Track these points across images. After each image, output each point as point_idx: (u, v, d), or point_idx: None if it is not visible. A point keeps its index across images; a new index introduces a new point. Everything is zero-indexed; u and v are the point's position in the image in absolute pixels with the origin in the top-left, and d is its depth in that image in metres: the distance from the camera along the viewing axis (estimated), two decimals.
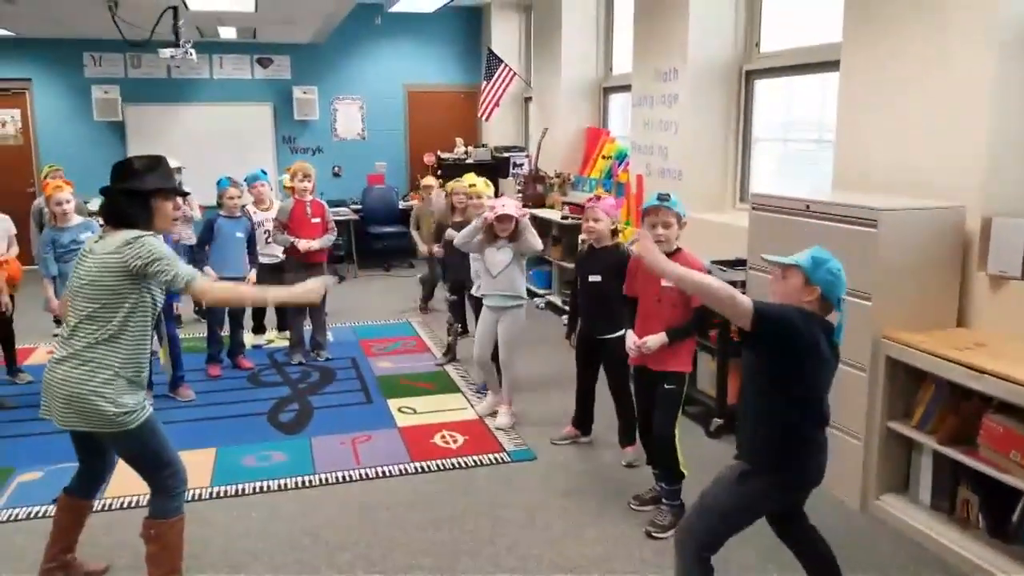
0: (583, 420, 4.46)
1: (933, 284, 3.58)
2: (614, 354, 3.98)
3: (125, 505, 3.76)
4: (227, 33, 9.01)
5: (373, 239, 9.85)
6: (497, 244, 4.64)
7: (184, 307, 5.53)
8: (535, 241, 4.59)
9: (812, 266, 2.47)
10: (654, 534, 3.49)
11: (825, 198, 3.89)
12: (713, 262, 4.72)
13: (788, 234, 4.04)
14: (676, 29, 5.83)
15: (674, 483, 3.58)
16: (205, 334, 5.86)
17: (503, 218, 4.54)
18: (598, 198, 4.17)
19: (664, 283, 3.43)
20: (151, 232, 2.83)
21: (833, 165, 4.44)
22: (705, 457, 4.24)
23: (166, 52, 7.12)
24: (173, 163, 5.30)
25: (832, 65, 4.58)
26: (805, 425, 2.50)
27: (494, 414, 4.85)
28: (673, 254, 3.44)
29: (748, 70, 5.70)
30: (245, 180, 6.18)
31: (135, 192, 2.84)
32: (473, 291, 5.34)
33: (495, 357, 4.78)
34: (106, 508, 3.74)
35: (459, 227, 5.61)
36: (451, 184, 5.94)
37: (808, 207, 3.82)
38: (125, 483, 3.96)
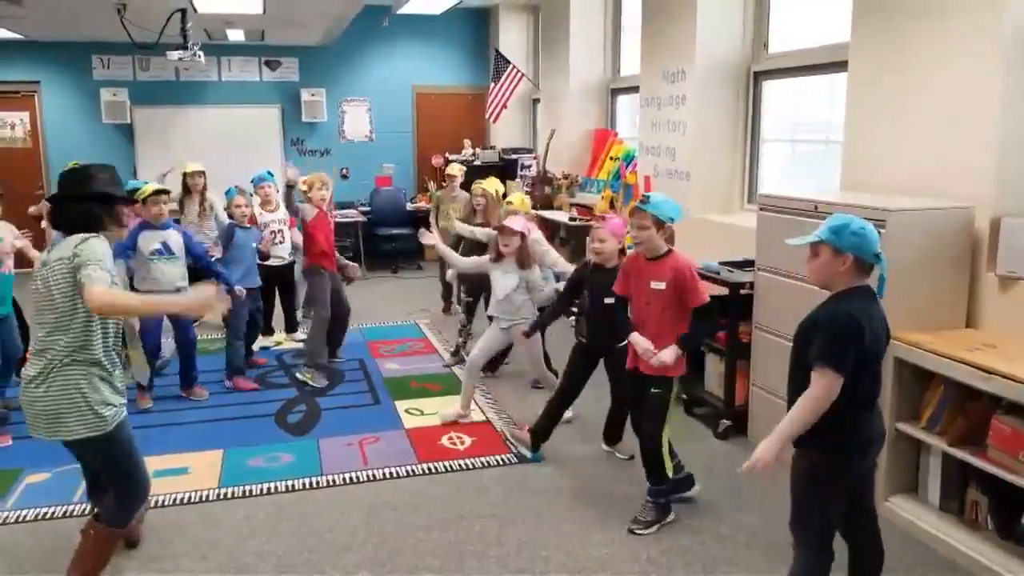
0: (542, 431, 4.30)
1: (942, 284, 3.57)
2: (621, 364, 3.86)
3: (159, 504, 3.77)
4: (235, 35, 9.05)
5: (381, 241, 9.87)
6: (503, 267, 4.61)
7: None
8: (554, 260, 4.68)
9: (835, 235, 2.47)
10: (636, 531, 3.50)
11: (833, 198, 3.87)
12: (721, 263, 4.71)
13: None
14: (684, 30, 5.82)
15: (660, 483, 3.57)
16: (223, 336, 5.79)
17: (505, 230, 4.52)
18: (603, 218, 4.14)
19: (653, 285, 3.43)
20: (102, 234, 2.84)
21: (841, 165, 4.42)
22: (714, 459, 4.24)
23: (174, 55, 7.15)
24: (164, 168, 5.32)
25: (840, 65, 4.56)
26: (849, 406, 2.47)
27: (454, 423, 4.78)
28: (663, 257, 3.45)
29: (756, 71, 5.69)
30: (251, 181, 6.17)
31: (108, 197, 2.88)
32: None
33: (488, 368, 4.79)
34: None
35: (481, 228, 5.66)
36: (473, 186, 5.97)
37: (816, 207, 3.80)
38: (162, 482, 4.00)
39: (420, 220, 7.93)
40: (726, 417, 4.54)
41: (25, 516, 3.70)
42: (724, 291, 4.50)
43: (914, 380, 3.47)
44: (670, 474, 3.59)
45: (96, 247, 2.76)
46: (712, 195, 5.82)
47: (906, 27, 3.91)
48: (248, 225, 5.59)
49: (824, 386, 2.40)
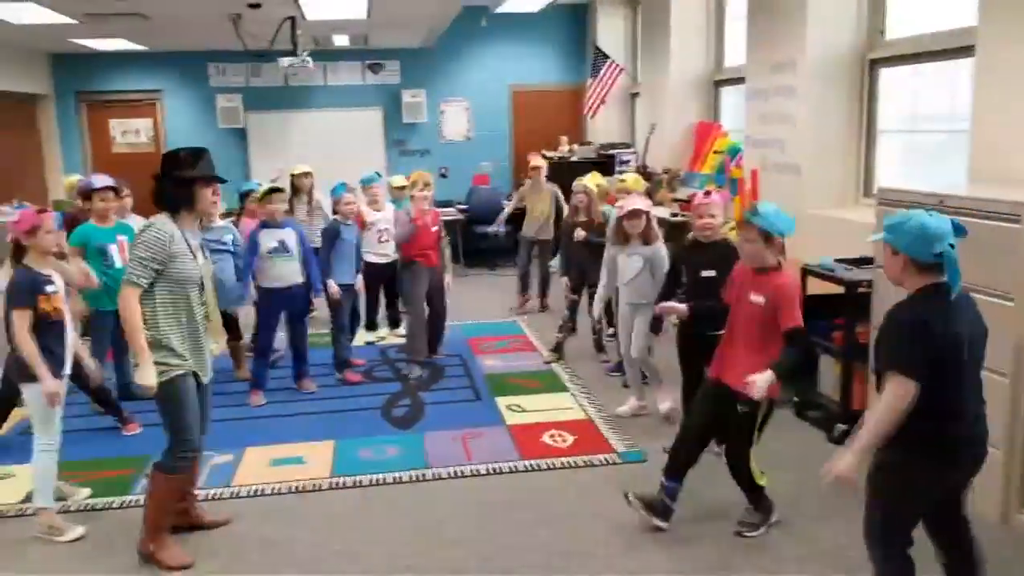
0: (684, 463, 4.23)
1: None
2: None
3: (252, 493, 3.94)
4: (340, 40, 9.33)
5: (478, 239, 9.96)
6: (628, 249, 4.62)
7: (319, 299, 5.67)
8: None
9: (889, 231, 2.37)
10: (744, 533, 3.41)
11: (961, 192, 3.67)
12: (837, 260, 4.53)
13: None
14: (794, 18, 5.62)
15: (754, 490, 3.46)
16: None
17: (631, 214, 4.51)
18: (708, 194, 4.09)
19: (752, 298, 3.29)
20: (190, 222, 3.29)
21: (968, 157, 4.18)
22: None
23: (285, 61, 7.45)
24: (273, 172, 5.47)
25: (966, 51, 4.31)
26: (928, 416, 2.35)
27: (637, 415, 4.80)
28: (769, 271, 3.28)
29: (872, 59, 5.44)
30: (361, 182, 6.35)
31: (181, 179, 3.22)
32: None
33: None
34: (234, 496, 3.93)
35: (584, 226, 5.65)
36: (574, 184, 5.95)
37: (942, 202, 3.60)
38: (254, 471, 4.18)
39: (517, 218, 7.95)
40: (842, 421, 4.35)
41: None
42: (840, 290, 4.33)
43: None
44: (763, 482, 3.46)
45: (149, 239, 3.13)
46: (825, 189, 5.60)
47: None
48: (351, 222, 5.74)
49: (895, 391, 2.30)
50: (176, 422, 3.24)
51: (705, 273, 3.95)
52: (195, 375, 3.28)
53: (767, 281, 3.27)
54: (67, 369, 3.67)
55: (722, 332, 3.56)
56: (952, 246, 2.33)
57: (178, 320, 3.20)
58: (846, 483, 2.38)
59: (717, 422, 3.47)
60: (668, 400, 4.70)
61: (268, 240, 5.14)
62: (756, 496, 3.47)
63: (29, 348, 3.46)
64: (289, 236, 5.19)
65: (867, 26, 5.44)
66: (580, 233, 5.67)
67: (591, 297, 5.60)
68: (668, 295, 4.27)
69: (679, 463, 3.48)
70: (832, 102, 5.55)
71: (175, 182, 3.24)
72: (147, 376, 3.14)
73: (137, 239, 3.18)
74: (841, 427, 4.34)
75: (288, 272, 5.17)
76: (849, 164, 5.61)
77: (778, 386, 3.25)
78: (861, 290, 4.25)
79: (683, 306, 3.92)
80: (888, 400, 2.32)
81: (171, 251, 3.15)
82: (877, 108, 5.47)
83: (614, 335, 6.34)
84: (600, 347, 6.02)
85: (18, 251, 3.59)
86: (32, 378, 3.51)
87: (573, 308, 5.95)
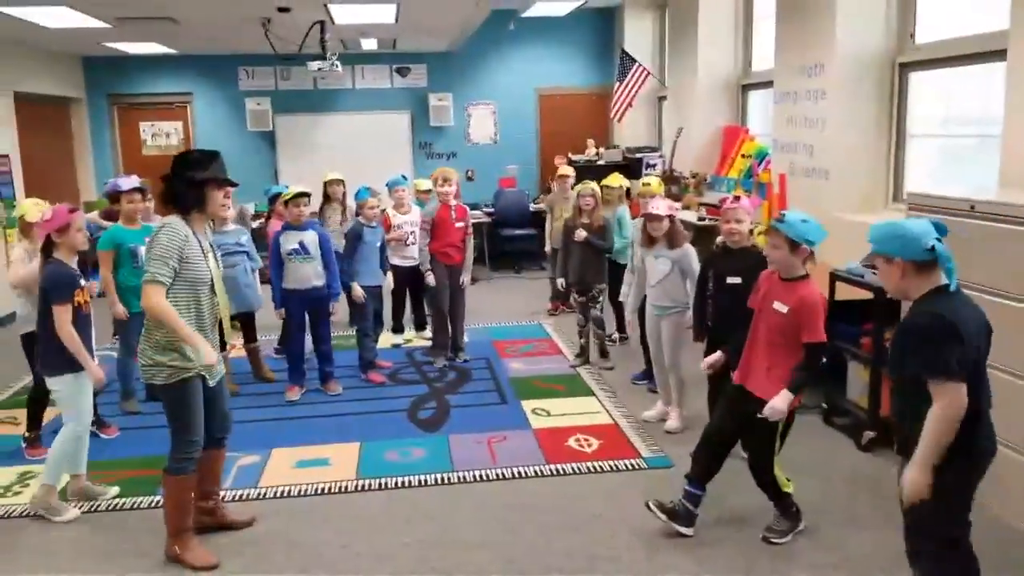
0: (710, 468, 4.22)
1: None
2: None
3: (278, 495, 3.98)
4: (368, 44, 9.40)
5: (504, 241, 9.99)
6: (654, 251, 4.62)
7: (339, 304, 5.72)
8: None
9: (878, 243, 2.37)
10: (772, 539, 3.39)
11: (992, 197, 3.61)
12: (865, 265, 4.48)
13: (949, 237, 3.76)
14: (823, 21, 5.57)
15: (780, 498, 3.44)
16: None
17: (652, 217, 4.50)
18: (737, 199, 4.06)
19: (776, 306, 3.25)
20: (200, 223, 3.29)
21: (1000, 162, 4.12)
22: (857, 472, 4.04)
23: (314, 65, 7.51)
24: (299, 187, 5.52)
25: (998, 55, 4.25)
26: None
27: (663, 420, 4.79)
28: (796, 280, 3.25)
29: (902, 62, 5.38)
30: (387, 185, 6.41)
31: (192, 180, 3.22)
32: (620, 297, 5.45)
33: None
34: (261, 497, 3.97)
35: (586, 228, 5.65)
36: (579, 187, 5.95)
37: (973, 207, 3.56)
38: (280, 472, 4.23)
39: (543, 221, 7.96)
40: (870, 428, 4.30)
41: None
42: (868, 295, 4.28)
43: None
44: (789, 489, 3.44)
45: (165, 240, 3.14)
46: (853, 194, 5.54)
47: None
48: (375, 225, 5.79)
49: (948, 399, 2.26)
50: (181, 423, 3.27)
51: (731, 280, 3.95)
52: (202, 377, 3.29)
53: (793, 290, 3.24)
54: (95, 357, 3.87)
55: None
56: (939, 239, 2.35)
57: (187, 321, 3.18)
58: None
59: (740, 426, 3.44)
60: (676, 420, 4.70)
61: (288, 242, 5.20)
62: (783, 504, 3.45)
63: (75, 342, 3.64)
64: (308, 237, 5.24)
65: (896, 29, 5.38)
66: (581, 233, 5.65)
67: (591, 298, 5.75)
68: (701, 306, 4.26)
69: (702, 467, 3.46)
70: (861, 106, 5.49)
71: (186, 183, 3.23)
72: (209, 354, 3.19)
73: (153, 239, 3.20)
74: (869, 434, 4.29)
75: (307, 274, 5.22)
76: (878, 169, 5.55)
77: (799, 398, 3.27)
78: (889, 295, 4.18)
79: (719, 355, 3.78)
80: (943, 410, 2.28)
81: (185, 253, 3.17)
82: (907, 112, 5.40)
83: (627, 339, 6.36)
84: (604, 352, 6.00)
85: (48, 247, 3.73)
86: (63, 370, 3.70)
87: (583, 311, 5.92)
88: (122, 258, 4.81)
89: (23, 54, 8.43)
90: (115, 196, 5.04)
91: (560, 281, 6.07)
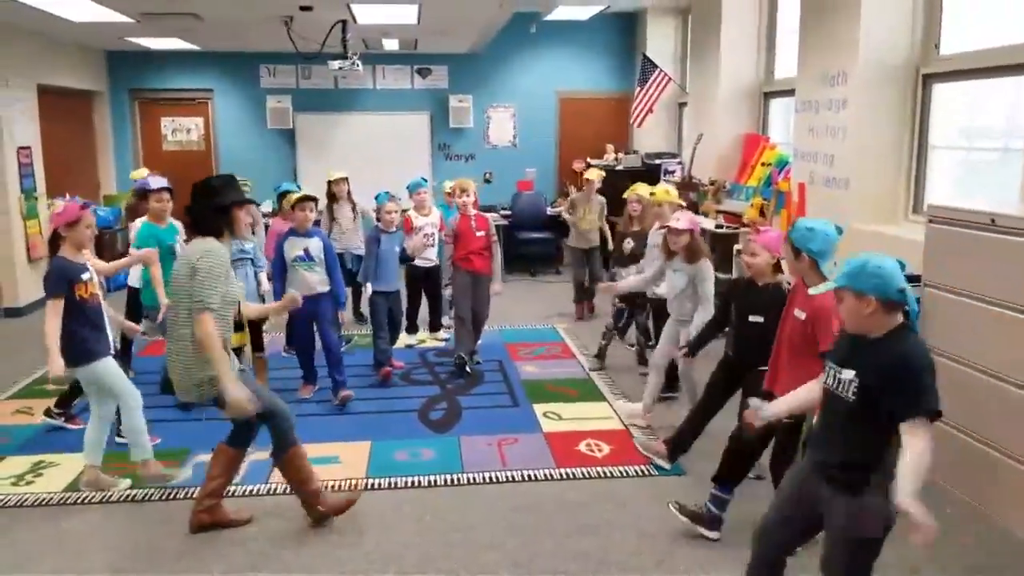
0: (680, 443, 4.17)
1: None
2: (758, 386, 3.58)
3: (288, 491, 3.98)
4: (390, 45, 9.43)
5: (520, 244, 9.98)
6: (673, 264, 4.61)
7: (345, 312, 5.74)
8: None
9: (852, 279, 2.34)
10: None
11: (1013, 211, 3.57)
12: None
13: (969, 250, 3.74)
14: (846, 30, 5.53)
15: None
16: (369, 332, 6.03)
17: (673, 231, 4.48)
18: (757, 230, 3.89)
19: (796, 312, 3.22)
20: (226, 243, 3.41)
21: (1022, 175, 4.07)
22: None
23: (335, 64, 7.55)
24: (308, 188, 5.52)
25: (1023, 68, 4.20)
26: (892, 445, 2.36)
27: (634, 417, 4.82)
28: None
29: (925, 73, 5.32)
30: (408, 188, 6.42)
31: (220, 207, 3.36)
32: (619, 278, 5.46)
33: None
34: (270, 493, 3.99)
35: (636, 236, 5.64)
36: (627, 192, 5.94)
37: (993, 221, 3.53)
38: (315, 470, 4.22)
39: (559, 225, 7.95)
40: None
41: (190, 493, 3.95)
42: None
43: None
44: None
45: (213, 266, 3.25)
46: (873, 205, 5.49)
47: None
48: (393, 231, 5.78)
49: (930, 432, 2.24)
50: (265, 410, 3.47)
51: (753, 318, 3.76)
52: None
53: (812, 298, 3.21)
54: (116, 346, 4.06)
55: (765, 369, 3.48)
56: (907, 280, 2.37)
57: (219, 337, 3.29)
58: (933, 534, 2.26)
59: (770, 430, 3.41)
60: (642, 418, 4.77)
61: (293, 249, 5.18)
62: None
63: (52, 336, 3.69)
64: (312, 244, 5.21)
65: (921, 40, 5.33)
66: (628, 244, 5.67)
67: (639, 305, 5.69)
68: (709, 336, 4.22)
69: (732, 468, 3.46)
70: (883, 116, 5.44)
71: (216, 209, 3.36)
72: (237, 393, 3.27)
73: (202, 266, 3.26)
74: None
75: (312, 281, 5.18)
76: (899, 180, 5.50)
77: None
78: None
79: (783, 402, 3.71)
80: (928, 443, 2.24)
81: (228, 276, 3.32)
82: (929, 123, 5.35)
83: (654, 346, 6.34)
84: (643, 359, 5.98)
85: (55, 242, 3.82)
86: (81, 361, 3.78)
87: (618, 316, 5.92)
88: (163, 256, 4.85)
89: (47, 47, 8.52)
90: (143, 193, 5.11)
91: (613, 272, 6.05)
